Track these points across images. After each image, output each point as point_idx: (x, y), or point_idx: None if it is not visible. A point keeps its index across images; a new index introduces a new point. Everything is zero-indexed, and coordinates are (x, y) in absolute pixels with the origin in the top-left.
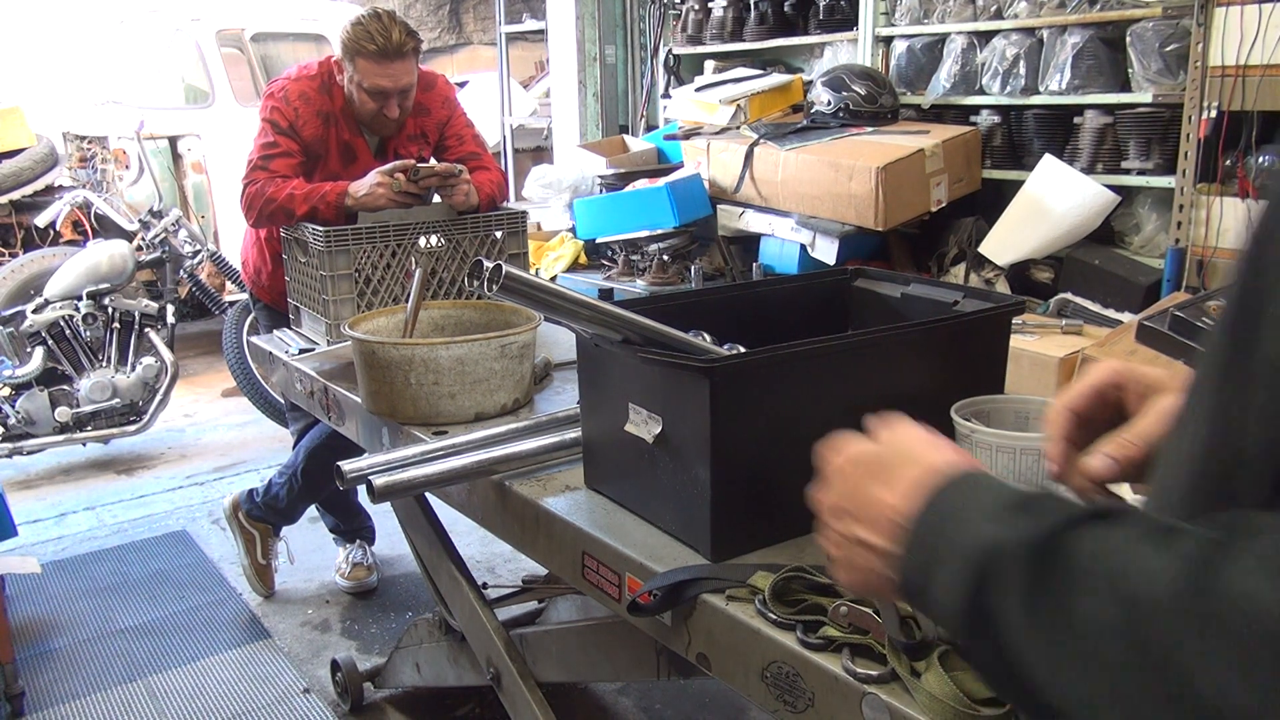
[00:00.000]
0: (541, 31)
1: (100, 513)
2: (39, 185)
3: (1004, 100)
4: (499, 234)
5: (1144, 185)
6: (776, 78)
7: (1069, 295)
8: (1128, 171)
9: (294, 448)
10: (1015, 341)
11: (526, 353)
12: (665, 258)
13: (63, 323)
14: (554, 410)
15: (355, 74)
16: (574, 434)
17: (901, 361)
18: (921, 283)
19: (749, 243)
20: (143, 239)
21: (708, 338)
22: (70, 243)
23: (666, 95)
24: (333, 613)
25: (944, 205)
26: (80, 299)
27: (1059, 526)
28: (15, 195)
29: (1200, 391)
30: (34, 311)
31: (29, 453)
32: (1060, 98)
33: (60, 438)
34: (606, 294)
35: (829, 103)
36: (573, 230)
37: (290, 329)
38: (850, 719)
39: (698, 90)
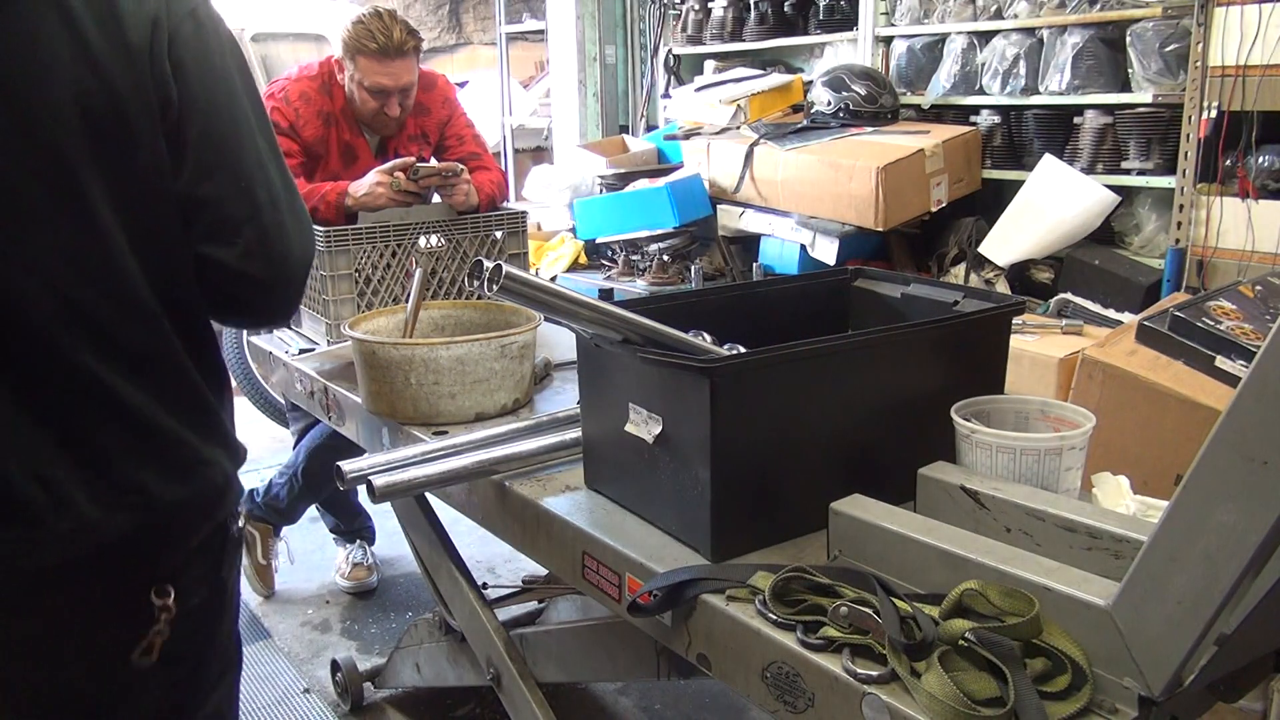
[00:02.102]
0: (541, 31)
1: None
2: None
3: (1004, 100)
4: (499, 234)
5: (1144, 185)
6: (776, 78)
7: (1069, 295)
8: (1128, 171)
9: (294, 448)
10: (1015, 341)
11: (526, 353)
12: (665, 258)
13: None
14: (554, 410)
15: (356, 72)
16: (574, 434)
17: (901, 361)
18: (921, 283)
19: (749, 243)
20: None
21: (708, 338)
22: None
23: (666, 95)
24: (333, 613)
25: (944, 205)
26: None
27: None
28: None
29: None
30: None
31: None
32: (1060, 98)
33: None
34: (606, 294)
35: (829, 103)
36: (573, 230)
37: (290, 329)
38: (850, 719)
39: (698, 90)
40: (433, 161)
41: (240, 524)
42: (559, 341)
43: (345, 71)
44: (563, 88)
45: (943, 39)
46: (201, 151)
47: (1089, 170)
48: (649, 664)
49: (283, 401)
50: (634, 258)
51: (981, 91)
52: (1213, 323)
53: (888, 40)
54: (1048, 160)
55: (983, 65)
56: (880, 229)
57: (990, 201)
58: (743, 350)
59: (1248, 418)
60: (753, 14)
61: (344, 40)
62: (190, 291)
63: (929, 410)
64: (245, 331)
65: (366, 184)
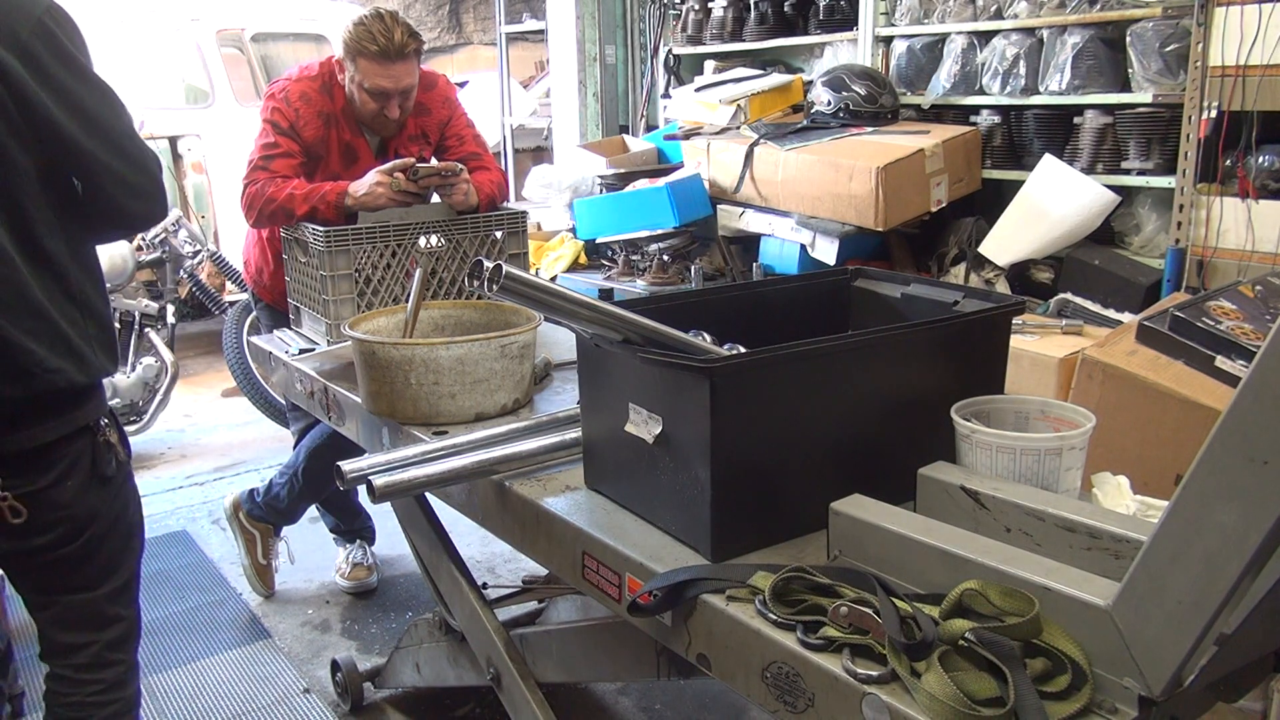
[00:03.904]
0: (541, 31)
1: None
2: None
3: (1004, 100)
4: (499, 234)
5: (1144, 185)
6: (776, 78)
7: (1069, 295)
8: (1128, 171)
9: (295, 447)
10: (1015, 341)
11: (526, 353)
12: (665, 258)
13: None
14: (554, 410)
15: (356, 74)
16: (574, 434)
17: (901, 361)
18: (921, 283)
19: (749, 243)
20: (143, 239)
21: (708, 338)
22: None
23: (666, 95)
24: (333, 613)
25: (944, 205)
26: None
27: None
28: None
29: None
30: None
31: None
32: (1060, 98)
33: None
34: (606, 294)
35: (829, 103)
36: (573, 230)
37: (291, 329)
38: (850, 719)
39: (698, 90)
40: (433, 161)
41: (105, 424)
42: (559, 341)
43: (346, 73)
44: (563, 88)
45: (943, 39)
46: (76, 124)
47: (1089, 170)
48: (649, 664)
49: (283, 401)
50: (634, 258)
51: (981, 91)
52: (1213, 323)
53: (888, 40)
54: (1048, 160)
55: (983, 65)
56: (880, 229)
57: (990, 201)
58: (743, 350)
59: (1248, 418)
60: (753, 14)
61: (345, 41)
62: (40, 237)
63: (929, 410)
64: (245, 330)
65: (366, 184)
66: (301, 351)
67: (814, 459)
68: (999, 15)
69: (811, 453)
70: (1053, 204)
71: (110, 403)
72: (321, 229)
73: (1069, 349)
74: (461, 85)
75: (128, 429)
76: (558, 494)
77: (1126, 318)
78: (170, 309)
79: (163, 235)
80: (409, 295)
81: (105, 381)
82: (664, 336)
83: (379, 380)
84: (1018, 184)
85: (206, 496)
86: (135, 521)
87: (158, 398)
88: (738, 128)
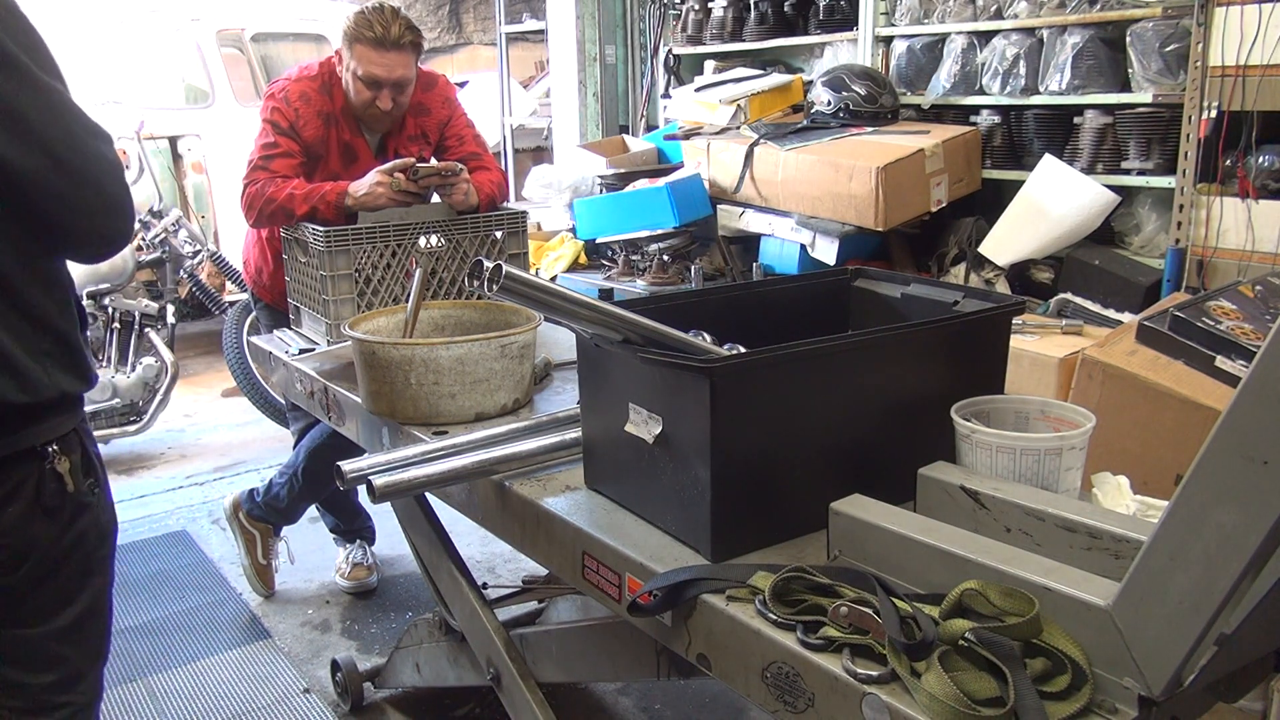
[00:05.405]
0: (541, 31)
1: None
2: None
3: (1004, 100)
4: (499, 234)
5: (1144, 185)
6: (776, 78)
7: (1069, 295)
8: (1128, 171)
9: (295, 447)
10: (1015, 341)
11: (526, 353)
12: (665, 258)
13: None
14: (554, 410)
15: (352, 60)
16: (574, 434)
17: (901, 361)
18: (921, 283)
19: (749, 243)
20: (143, 239)
21: (708, 338)
22: None
23: (666, 95)
24: (333, 613)
25: (944, 205)
26: (80, 299)
27: None
28: None
29: None
30: None
31: None
32: (1060, 98)
33: None
34: (606, 294)
35: (829, 103)
36: (573, 230)
37: (291, 329)
38: (850, 719)
39: (698, 90)
40: (433, 161)
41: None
42: (559, 341)
43: (343, 62)
44: (563, 88)
45: (943, 39)
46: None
47: (1089, 170)
48: (649, 664)
49: (283, 401)
50: (634, 258)
51: (981, 91)
52: (1213, 323)
53: (888, 40)
54: (1048, 160)
55: (983, 65)
56: (880, 229)
57: (990, 201)
58: (743, 350)
59: (1248, 418)
60: (753, 14)
61: (345, 30)
62: None
63: (929, 410)
64: (245, 330)
65: (366, 184)
66: (301, 351)
67: (814, 459)
68: (999, 15)
69: (811, 453)
70: (1053, 204)
71: (110, 403)
72: (321, 229)
73: (1069, 349)
74: (461, 85)
75: (128, 429)
76: (558, 494)
77: (1126, 318)
78: (170, 309)
79: (163, 235)
80: (409, 295)
81: (105, 382)
82: (664, 336)
83: (379, 380)
84: (1018, 184)
85: (206, 496)
86: (97, 556)
87: (158, 398)
88: (738, 128)
